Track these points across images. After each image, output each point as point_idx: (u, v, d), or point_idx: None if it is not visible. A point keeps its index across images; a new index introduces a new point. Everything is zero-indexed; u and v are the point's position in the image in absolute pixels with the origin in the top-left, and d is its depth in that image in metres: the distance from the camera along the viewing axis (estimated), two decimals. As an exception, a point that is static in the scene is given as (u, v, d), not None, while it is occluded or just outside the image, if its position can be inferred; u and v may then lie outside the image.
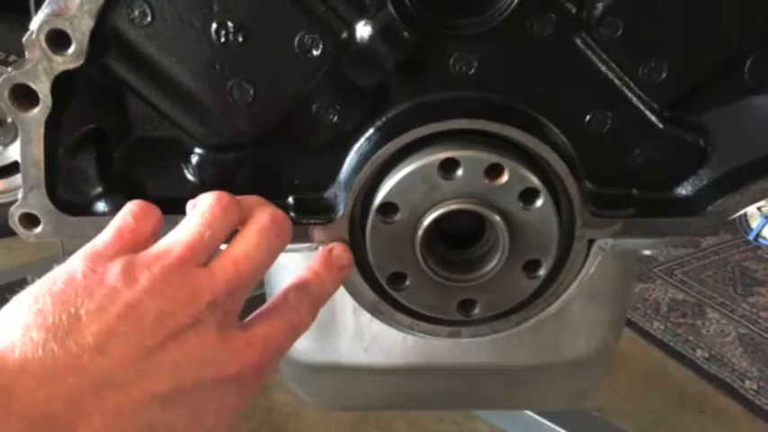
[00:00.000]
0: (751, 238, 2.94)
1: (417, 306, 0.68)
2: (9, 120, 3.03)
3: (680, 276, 3.28)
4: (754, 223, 2.92)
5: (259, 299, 0.87)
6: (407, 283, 0.67)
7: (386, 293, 0.68)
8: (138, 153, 0.68)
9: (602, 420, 2.33)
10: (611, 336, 0.82)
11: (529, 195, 0.62)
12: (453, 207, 0.62)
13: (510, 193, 0.62)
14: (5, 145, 3.13)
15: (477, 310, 0.68)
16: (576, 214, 0.65)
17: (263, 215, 0.57)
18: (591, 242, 0.67)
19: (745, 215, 2.91)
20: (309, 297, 0.59)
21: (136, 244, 0.53)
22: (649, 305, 3.11)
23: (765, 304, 3.06)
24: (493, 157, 0.61)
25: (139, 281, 0.49)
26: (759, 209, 2.80)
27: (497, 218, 0.62)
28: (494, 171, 0.61)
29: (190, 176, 0.69)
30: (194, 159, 0.68)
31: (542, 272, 0.65)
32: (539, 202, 0.62)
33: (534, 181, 0.61)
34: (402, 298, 0.68)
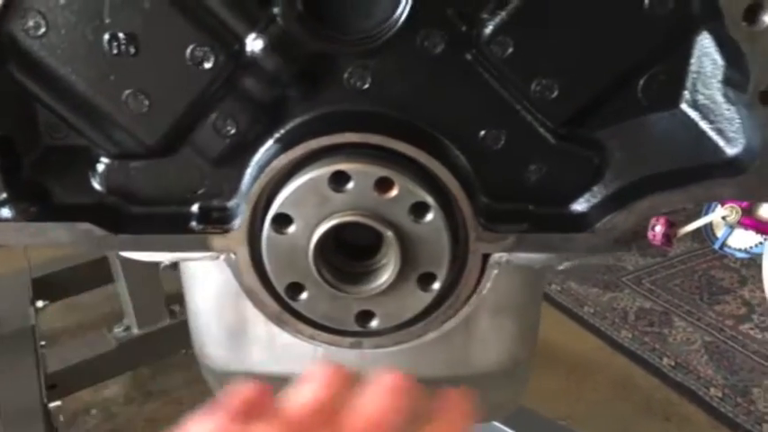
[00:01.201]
0: (716, 247, 2.96)
1: (316, 317, 0.69)
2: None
3: (648, 285, 3.30)
4: (720, 232, 2.93)
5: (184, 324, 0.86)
6: (305, 293, 0.67)
7: (287, 304, 0.69)
8: (47, 161, 0.69)
9: (568, 429, 2.35)
10: (521, 349, 0.82)
11: (419, 209, 0.63)
12: (344, 219, 0.63)
13: (400, 206, 0.63)
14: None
15: (375, 322, 0.68)
16: (468, 228, 0.65)
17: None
18: (486, 256, 0.68)
19: (710, 224, 2.93)
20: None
21: None
22: (617, 314, 3.13)
23: (731, 312, 3.09)
24: (382, 171, 0.61)
25: None
26: (724, 218, 2.82)
27: (388, 231, 0.63)
28: (384, 184, 0.62)
29: (96, 185, 0.69)
30: (100, 168, 0.68)
31: (437, 285, 0.66)
32: (429, 216, 0.63)
33: (424, 195, 0.62)
34: (301, 308, 0.68)
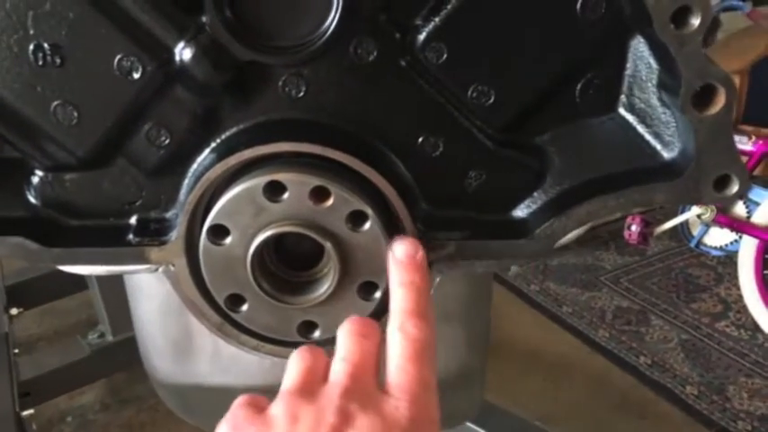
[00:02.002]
0: (692, 245, 2.98)
1: (258, 328, 0.68)
2: None
3: (625, 284, 3.32)
4: (695, 231, 2.96)
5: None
6: (246, 305, 0.66)
7: (228, 315, 0.68)
8: None
9: (543, 430, 2.35)
10: (471, 356, 0.82)
11: (356, 218, 0.62)
12: (280, 230, 0.62)
13: (337, 215, 0.62)
14: None
15: (318, 333, 0.68)
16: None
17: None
18: (428, 264, 0.67)
19: (686, 222, 2.95)
20: (410, 310, 0.57)
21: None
22: (595, 313, 3.14)
23: (707, 310, 3.11)
24: (317, 180, 0.61)
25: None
26: (699, 216, 2.84)
27: (326, 241, 0.62)
28: (319, 194, 0.61)
29: (31, 198, 0.68)
30: (34, 180, 0.67)
31: (378, 294, 0.65)
32: (367, 225, 0.62)
33: (360, 204, 0.61)
34: (242, 320, 0.67)
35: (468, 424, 2.18)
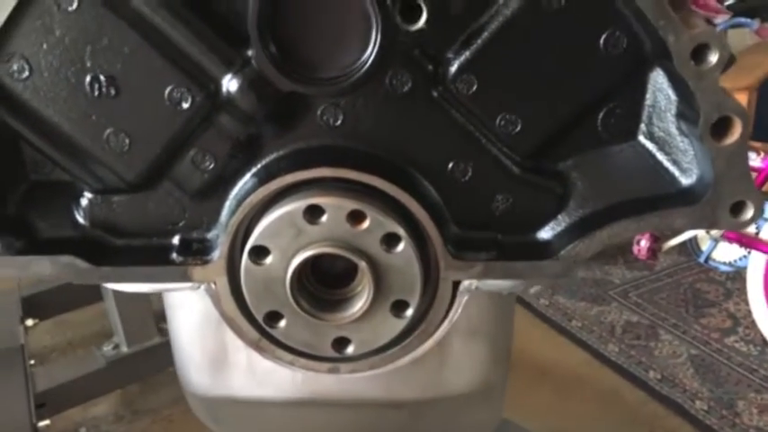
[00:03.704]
0: (701, 260, 3.00)
1: (294, 343, 0.71)
2: None
3: (635, 299, 3.34)
4: (704, 246, 2.98)
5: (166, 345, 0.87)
6: (283, 321, 0.70)
7: (265, 331, 0.71)
8: (32, 196, 0.71)
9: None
10: (494, 371, 0.85)
11: (391, 240, 0.65)
12: (319, 251, 0.65)
13: (372, 237, 0.65)
14: None
15: (351, 348, 0.71)
16: (438, 257, 0.68)
17: None
18: (457, 283, 0.71)
19: (695, 238, 2.97)
20: None
21: None
22: (604, 328, 3.16)
23: (717, 325, 3.13)
24: (354, 204, 0.64)
25: None
26: (708, 232, 2.86)
27: (361, 261, 0.65)
28: (356, 217, 0.65)
29: (80, 218, 0.71)
30: (83, 202, 0.71)
31: (409, 312, 0.69)
32: (400, 247, 0.66)
33: (394, 226, 0.65)
34: (279, 335, 0.71)
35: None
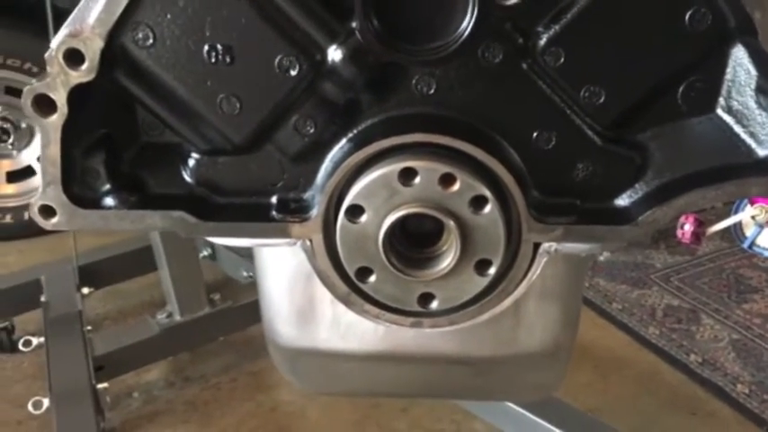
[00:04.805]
0: (745, 246, 3.00)
1: (382, 298, 0.77)
2: (23, 125, 3.12)
3: (676, 283, 3.34)
4: (749, 232, 2.97)
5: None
6: (373, 276, 0.75)
7: (355, 286, 0.77)
8: (144, 155, 0.77)
9: (595, 420, 2.40)
10: (565, 333, 0.89)
11: (478, 202, 0.70)
12: (411, 210, 0.70)
13: (461, 199, 0.70)
14: (19, 150, 3.20)
15: (435, 304, 0.76)
16: (521, 220, 0.73)
17: None
18: (537, 245, 0.75)
19: (739, 223, 2.96)
20: None
21: None
22: (645, 311, 3.17)
23: (759, 311, 3.12)
24: (446, 168, 0.69)
25: None
26: (753, 218, 2.85)
27: (450, 221, 0.70)
28: (447, 180, 0.70)
29: (187, 177, 0.78)
30: (191, 162, 0.77)
31: (492, 270, 0.74)
32: (487, 209, 0.70)
33: (483, 189, 0.70)
34: (368, 290, 0.76)
35: (526, 413, 2.26)
